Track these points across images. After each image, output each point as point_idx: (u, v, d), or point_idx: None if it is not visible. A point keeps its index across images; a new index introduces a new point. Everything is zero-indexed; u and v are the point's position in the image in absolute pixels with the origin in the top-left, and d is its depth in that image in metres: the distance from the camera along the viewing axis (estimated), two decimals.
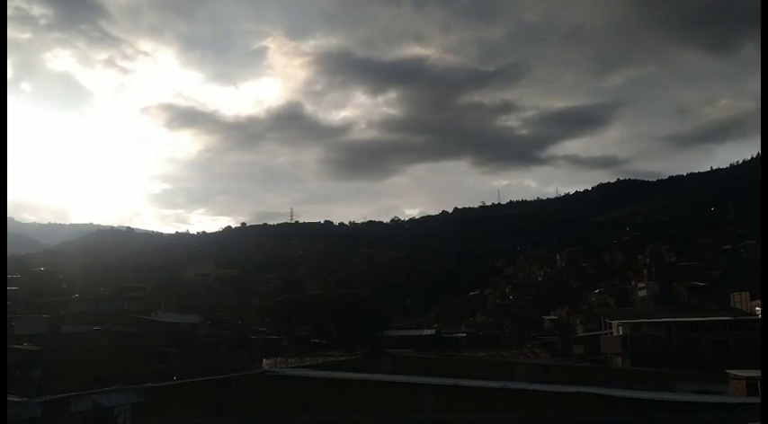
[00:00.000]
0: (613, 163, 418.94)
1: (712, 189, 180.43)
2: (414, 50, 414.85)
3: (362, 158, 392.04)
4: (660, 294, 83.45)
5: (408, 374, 28.15)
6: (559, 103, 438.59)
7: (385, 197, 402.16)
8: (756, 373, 30.74)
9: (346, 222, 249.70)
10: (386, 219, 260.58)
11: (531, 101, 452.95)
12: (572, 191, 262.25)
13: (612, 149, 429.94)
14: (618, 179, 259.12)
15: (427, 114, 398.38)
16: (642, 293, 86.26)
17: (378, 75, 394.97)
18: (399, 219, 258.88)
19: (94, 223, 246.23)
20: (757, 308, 55.53)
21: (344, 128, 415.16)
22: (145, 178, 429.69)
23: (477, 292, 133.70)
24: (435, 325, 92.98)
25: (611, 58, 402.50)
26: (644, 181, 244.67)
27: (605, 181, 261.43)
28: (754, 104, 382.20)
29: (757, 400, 23.40)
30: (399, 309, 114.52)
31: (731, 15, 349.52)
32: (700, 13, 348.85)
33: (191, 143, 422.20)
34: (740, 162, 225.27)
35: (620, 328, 53.74)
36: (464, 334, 79.93)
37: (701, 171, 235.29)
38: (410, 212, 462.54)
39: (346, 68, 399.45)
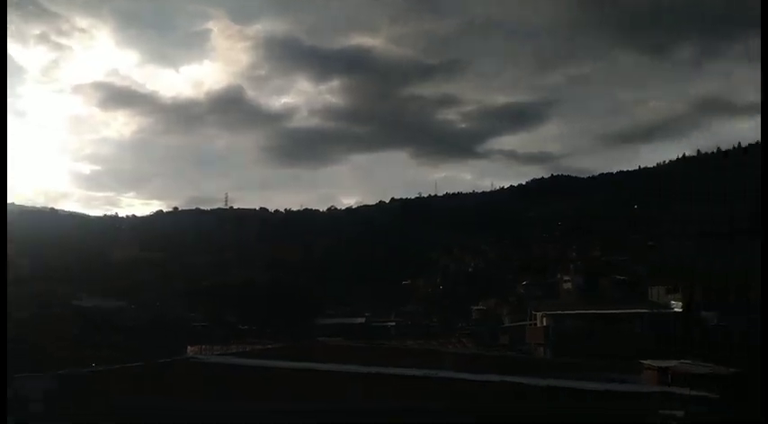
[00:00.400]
0: (549, 158, 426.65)
1: (639, 187, 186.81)
2: (361, 40, 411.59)
3: (302, 146, 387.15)
4: (585, 287, 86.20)
5: (338, 362, 28.22)
6: (500, 99, 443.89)
7: (323, 185, 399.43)
8: (668, 363, 32.27)
9: (282, 209, 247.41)
10: (323, 208, 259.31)
11: (473, 95, 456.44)
12: (507, 185, 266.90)
13: (548, 145, 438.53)
14: (552, 174, 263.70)
15: (370, 104, 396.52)
16: (568, 285, 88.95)
17: (323, 62, 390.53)
18: (336, 208, 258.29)
19: (17, 203, 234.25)
20: (672, 302, 58.13)
21: (286, 114, 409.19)
22: (73, 158, 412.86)
23: (409, 281, 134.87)
24: (366, 314, 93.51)
25: (552, 57, 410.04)
26: (576, 178, 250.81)
27: (540, 176, 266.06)
28: (683, 106, 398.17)
29: (666, 388, 24.54)
30: (332, 297, 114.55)
31: (666, 20, 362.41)
32: (637, 16, 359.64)
33: (125, 124, 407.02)
34: (667, 161, 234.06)
35: (545, 319, 55.27)
36: (394, 323, 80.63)
37: (630, 169, 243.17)
38: (347, 201, 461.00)
39: (291, 54, 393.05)
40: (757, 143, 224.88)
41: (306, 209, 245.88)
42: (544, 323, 55.32)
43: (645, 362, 32.27)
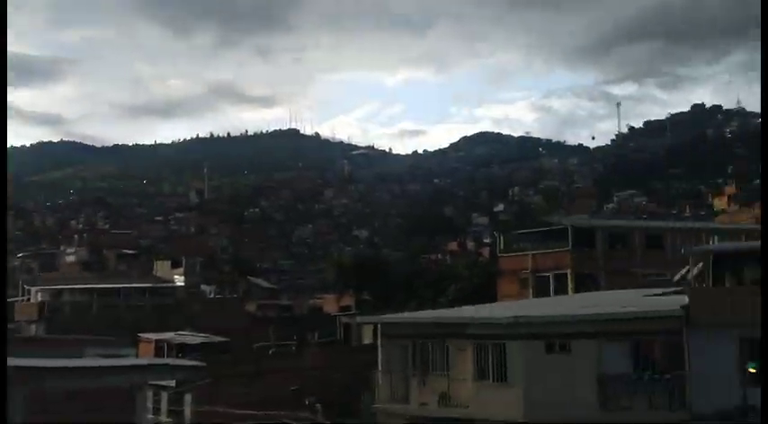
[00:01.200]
0: (58, 121, 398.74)
1: (154, 163, 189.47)
2: None
3: None
4: (89, 260, 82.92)
5: None
6: (8, 47, 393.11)
7: None
8: (165, 335, 33.21)
9: None
10: None
11: None
12: (9, 146, 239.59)
13: (59, 108, 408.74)
14: (61, 139, 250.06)
15: None
16: (70, 258, 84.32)
17: None
18: None
19: None
20: (176, 276, 60.54)
21: None
22: None
23: None
24: None
25: (68, 11, 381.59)
26: (88, 146, 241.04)
27: (47, 139, 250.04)
28: (201, 88, 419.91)
29: (161, 360, 25.09)
30: None
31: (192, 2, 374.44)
32: None
33: None
34: (181, 140, 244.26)
35: (40, 294, 51.75)
36: None
37: (147, 143, 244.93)
38: None
39: None
40: (269, 131, 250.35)
41: None
42: (39, 299, 51.56)
43: (142, 335, 32.59)
